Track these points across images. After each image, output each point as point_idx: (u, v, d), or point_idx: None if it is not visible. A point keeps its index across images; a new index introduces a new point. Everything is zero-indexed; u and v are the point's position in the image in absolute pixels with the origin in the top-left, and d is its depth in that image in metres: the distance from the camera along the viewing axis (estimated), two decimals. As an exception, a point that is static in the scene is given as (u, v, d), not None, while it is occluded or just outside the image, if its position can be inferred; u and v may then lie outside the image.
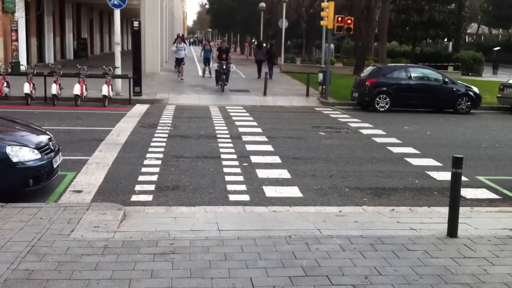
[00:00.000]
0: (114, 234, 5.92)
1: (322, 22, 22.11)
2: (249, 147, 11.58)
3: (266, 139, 12.65)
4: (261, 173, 9.36)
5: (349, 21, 21.67)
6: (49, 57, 33.06)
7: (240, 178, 9.06)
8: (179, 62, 27.58)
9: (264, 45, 37.81)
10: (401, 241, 5.98)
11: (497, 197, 8.55)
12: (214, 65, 24.33)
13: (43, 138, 7.91)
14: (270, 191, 8.34)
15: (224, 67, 22.63)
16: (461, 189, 6.53)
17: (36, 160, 7.34)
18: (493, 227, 6.61)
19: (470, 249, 5.82)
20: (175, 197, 7.93)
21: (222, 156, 10.68)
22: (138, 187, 8.30)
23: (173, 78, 26.75)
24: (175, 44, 28.72)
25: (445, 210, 6.81)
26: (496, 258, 5.58)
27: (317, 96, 22.03)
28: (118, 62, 19.34)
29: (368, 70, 20.67)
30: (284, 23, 38.89)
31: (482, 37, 71.23)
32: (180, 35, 36.26)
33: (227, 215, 6.89)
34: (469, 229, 6.48)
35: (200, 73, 32.28)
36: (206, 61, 30.03)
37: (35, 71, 18.00)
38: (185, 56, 28.21)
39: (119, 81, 19.54)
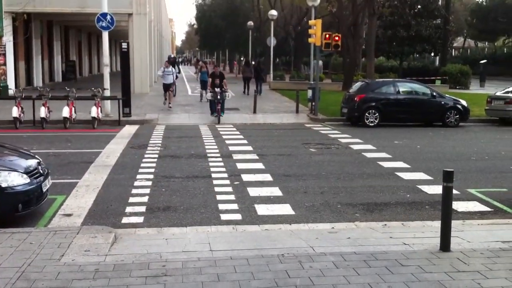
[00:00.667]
0: (105, 257, 5.85)
1: (310, 39, 22.28)
2: (240, 166, 11.56)
3: (256, 157, 12.64)
4: (253, 192, 9.34)
5: (336, 38, 21.86)
6: (38, 80, 33.02)
7: (232, 197, 9.02)
8: (166, 87, 23.83)
9: (253, 62, 38.08)
10: (395, 256, 5.96)
11: (489, 209, 8.56)
12: (208, 94, 20.60)
13: (32, 162, 7.86)
14: (262, 209, 8.31)
15: (219, 96, 19.53)
16: (453, 202, 6.54)
17: (25, 185, 7.29)
18: (485, 240, 6.61)
19: (463, 262, 5.81)
20: (167, 218, 7.87)
21: (213, 175, 10.65)
22: (128, 209, 8.24)
23: (162, 100, 26.49)
24: (161, 68, 25.17)
25: (437, 224, 6.82)
26: (490, 271, 5.57)
27: (307, 112, 22.11)
28: (107, 83, 19.35)
29: (356, 85, 20.79)
30: (272, 41, 39.15)
31: (468, 51, 71.99)
32: (171, 57, 35.62)
33: (219, 234, 6.84)
34: (461, 242, 6.48)
35: (190, 92, 32.37)
36: (204, 84, 26.34)
37: (23, 95, 17.95)
38: (174, 82, 24.80)
39: (108, 103, 19.52)
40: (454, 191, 7.47)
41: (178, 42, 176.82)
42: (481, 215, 8.25)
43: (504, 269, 5.64)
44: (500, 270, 5.61)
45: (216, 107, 19.48)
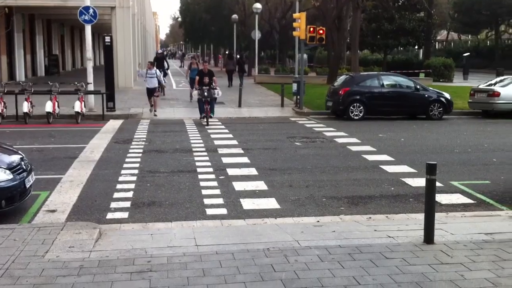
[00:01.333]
0: (90, 253, 5.82)
1: (294, 33, 22.26)
2: (225, 160, 11.55)
3: (242, 151, 12.63)
4: (238, 186, 9.34)
5: (321, 31, 21.84)
6: (20, 75, 32.66)
7: (217, 191, 9.02)
8: (150, 92, 19.71)
9: (238, 56, 38.29)
10: (379, 249, 6.00)
11: (472, 201, 8.65)
12: (194, 93, 18.77)
13: (15, 158, 7.78)
14: (247, 204, 8.32)
15: (206, 93, 17.53)
16: (436, 194, 6.59)
17: (8, 181, 7.23)
18: (468, 232, 6.68)
19: (447, 255, 5.87)
20: (152, 213, 7.85)
21: (198, 169, 10.63)
22: (113, 205, 8.20)
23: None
24: (144, 70, 20.82)
25: (421, 217, 6.87)
26: (473, 263, 5.64)
27: (292, 106, 22.14)
28: (90, 77, 19.21)
29: (341, 79, 20.85)
30: (257, 34, 39.08)
31: (452, 44, 72.47)
32: (159, 52, 31.52)
33: (204, 229, 6.84)
34: (445, 234, 6.54)
35: (175, 86, 32.22)
36: (193, 82, 21.07)
37: (5, 90, 17.79)
38: (159, 85, 20.52)
39: (92, 97, 19.40)
40: (438, 184, 7.55)
41: (162, 36, 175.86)
42: (464, 207, 8.34)
43: (487, 261, 5.71)
44: (483, 262, 5.68)
45: (205, 107, 17.57)
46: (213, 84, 18.05)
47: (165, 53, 41.96)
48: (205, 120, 17.45)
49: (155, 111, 19.52)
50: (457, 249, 6.03)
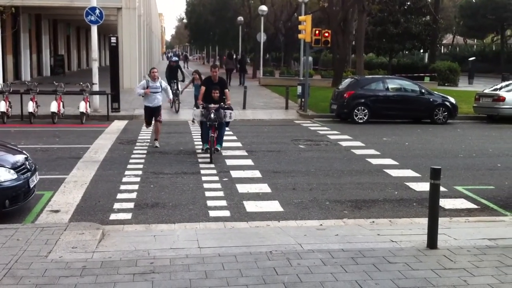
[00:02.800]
0: (93, 254, 5.83)
1: (299, 36, 22.24)
2: (229, 162, 11.55)
3: (246, 153, 12.63)
4: (241, 188, 9.34)
5: (326, 34, 21.86)
6: (26, 75, 32.77)
7: (220, 193, 9.02)
8: (152, 113, 13.52)
9: (239, 56, 38.63)
10: (382, 253, 5.99)
11: (476, 206, 8.63)
12: (195, 112, 12.72)
13: (19, 158, 7.81)
14: (250, 206, 8.31)
15: (213, 115, 11.64)
16: (440, 199, 6.57)
17: (12, 181, 7.25)
18: (472, 237, 6.66)
19: (450, 260, 5.85)
20: (155, 214, 7.85)
21: (202, 171, 10.63)
22: (117, 205, 8.21)
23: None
24: (143, 82, 13.77)
25: (424, 221, 6.86)
26: (476, 268, 5.62)
27: (296, 108, 22.13)
28: (95, 78, 19.26)
29: (346, 82, 20.84)
30: (262, 37, 39.10)
31: (457, 48, 72.34)
32: (173, 59, 22.86)
33: (207, 231, 6.84)
34: (448, 239, 6.52)
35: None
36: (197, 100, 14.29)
37: (11, 89, 17.83)
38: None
39: (97, 98, 19.44)
40: (442, 188, 7.53)
41: (168, 37, 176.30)
42: (468, 212, 8.31)
43: (490, 266, 5.69)
44: (486, 267, 5.66)
45: (210, 135, 11.61)
46: (226, 100, 12.15)
47: (170, 54, 39.58)
48: (210, 154, 11.54)
49: (155, 139, 13.43)
50: (460, 254, 6.01)
